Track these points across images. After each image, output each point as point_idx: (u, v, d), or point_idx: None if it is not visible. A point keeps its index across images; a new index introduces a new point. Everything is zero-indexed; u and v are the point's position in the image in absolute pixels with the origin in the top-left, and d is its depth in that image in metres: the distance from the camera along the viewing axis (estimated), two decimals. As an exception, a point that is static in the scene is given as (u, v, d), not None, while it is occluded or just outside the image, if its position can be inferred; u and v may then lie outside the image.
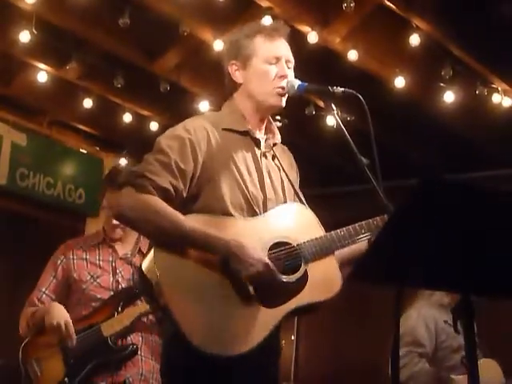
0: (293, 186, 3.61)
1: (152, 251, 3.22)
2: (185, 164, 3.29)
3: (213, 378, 3.17)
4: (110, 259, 4.88)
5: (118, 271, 4.85)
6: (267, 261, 3.19)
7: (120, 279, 4.82)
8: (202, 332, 3.09)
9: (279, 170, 3.60)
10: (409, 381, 5.17)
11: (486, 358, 5.29)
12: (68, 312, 4.73)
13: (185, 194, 3.30)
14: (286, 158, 3.72)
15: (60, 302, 4.80)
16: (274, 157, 3.61)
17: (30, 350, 4.82)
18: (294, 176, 3.70)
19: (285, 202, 3.54)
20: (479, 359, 5.05)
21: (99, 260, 4.91)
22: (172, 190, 3.24)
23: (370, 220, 3.41)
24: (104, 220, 5.02)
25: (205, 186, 3.34)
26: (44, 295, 4.91)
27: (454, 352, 5.17)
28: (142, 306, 4.57)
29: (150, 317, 4.56)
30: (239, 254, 3.17)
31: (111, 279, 4.83)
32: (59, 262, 4.96)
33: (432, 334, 5.21)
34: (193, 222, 3.23)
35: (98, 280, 4.84)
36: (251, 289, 3.20)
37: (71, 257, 4.94)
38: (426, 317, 5.23)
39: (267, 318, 3.23)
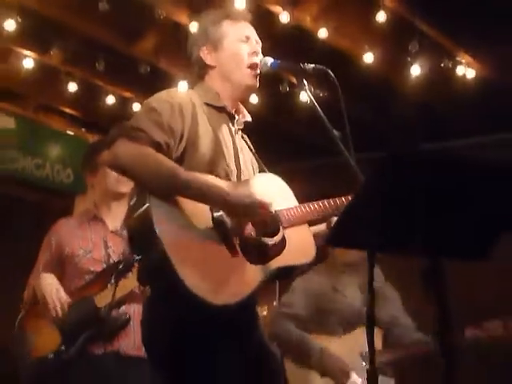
0: (259, 162, 3.66)
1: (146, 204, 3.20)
2: (174, 124, 3.32)
3: (205, 327, 3.18)
4: (101, 234, 4.89)
5: (109, 245, 4.87)
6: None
7: (111, 252, 4.84)
8: (198, 279, 3.08)
9: (249, 147, 3.66)
10: (272, 339, 5.22)
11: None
12: (64, 286, 4.75)
13: (173, 154, 3.31)
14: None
15: (56, 277, 4.82)
16: (243, 136, 3.68)
17: (25, 322, 4.83)
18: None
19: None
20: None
21: (91, 235, 4.92)
22: (164, 145, 3.26)
23: (337, 198, 3.46)
24: (102, 186, 4.98)
25: (189, 149, 3.37)
26: (40, 271, 4.92)
27: (331, 315, 5.25)
28: (133, 278, 4.57)
29: (142, 288, 4.55)
30: (237, 204, 3.23)
31: (103, 252, 4.85)
32: (52, 240, 4.97)
33: (309, 298, 5.28)
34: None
35: (90, 254, 4.84)
36: (238, 244, 3.25)
37: (63, 234, 4.95)
38: (308, 282, 5.31)
39: (253, 274, 3.27)
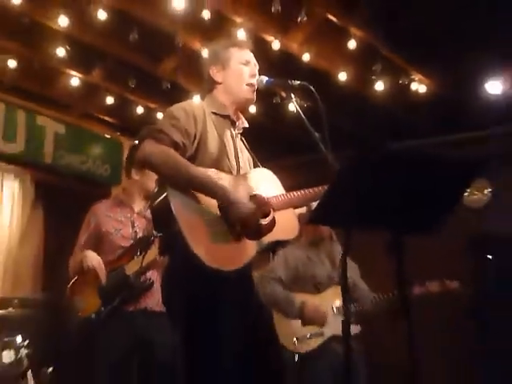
0: (254, 159, 3.68)
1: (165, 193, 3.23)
2: (189, 128, 3.34)
3: (211, 288, 3.19)
4: (129, 215, 4.89)
5: (135, 224, 4.88)
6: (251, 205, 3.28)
7: (137, 230, 4.86)
8: (207, 252, 3.11)
9: (246, 148, 3.67)
10: (260, 297, 5.27)
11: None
12: (100, 257, 4.76)
13: (188, 152, 3.33)
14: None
15: (93, 251, 4.82)
16: (241, 139, 3.68)
17: (75, 287, 4.83)
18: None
19: None
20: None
21: (120, 216, 4.92)
22: (181, 145, 3.29)
23: (316, 187, 3.46)
24: (140, 181, 4.96)
25: (200, 148, 3.39)
26: (82, 246, 4.91)
27: (308, 278, 5.28)
28: (154, 250, 4.57)
29: (161, 258, 4.54)
30: (233, 198, 3.23)
31: (130, 230, 4.86)
32: (91, 219, 4.97)
33: (289, 265, 5.30)
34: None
35: (120, 232, 4.85)
36: (238, 226, 3.25)
37: (99, 215, 4.94)
38: (288, 253, 5.31)
39: (250, 248, 3.29)
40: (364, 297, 5.32)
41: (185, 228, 3.12)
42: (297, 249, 5.35)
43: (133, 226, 4.88)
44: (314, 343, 5.11)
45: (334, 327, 5.10)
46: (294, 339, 5.10)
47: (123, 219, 4.91)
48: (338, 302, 5.23)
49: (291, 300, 5.18)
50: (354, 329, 5.12)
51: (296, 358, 5.09)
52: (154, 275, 4.68)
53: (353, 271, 5.41)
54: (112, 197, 5.26)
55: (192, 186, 3.24)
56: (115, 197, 5.19)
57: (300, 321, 5.16)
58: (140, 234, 4.83)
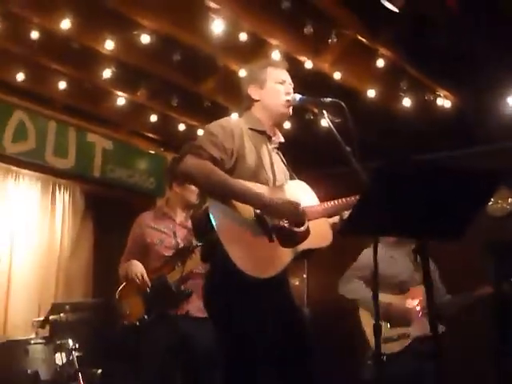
0: (289, 171, 3.66)
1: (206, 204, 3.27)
2: (227, 144, 3.36)
3: (249, 294, 3.20)
4: (171, 226, 4.91)
5: (177, 234, 4.89)
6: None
7: (179, 240, 4.87)
8: (244, 259, 3.13)
9: (282, 161, 3.67)
10: (347, 295, 5.17)
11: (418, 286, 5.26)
12: (145, 265, 4.79)
13: (226, 166, 3.33)
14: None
15: (139, 259, 4.85)
16: (277, 153, 3.68)
17: (122, 293, 4.87)
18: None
19: None
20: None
21: (163, 227, 4.93)
22: (219, 159, 3.30)
23: (348, 197, 3.45)
24: (180, 193, 4.96)
25: (238, 162, 3.40)
26: (128, 255, 4.94)
27: (391, 278, 5.18)
28: (195, 260, 4.58)
29: (200, 267, 4.56)
30: (269, 204, 3.25)
31: (173, 241, 4.87)
32: (136, 230, 5.00)
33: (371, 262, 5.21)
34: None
35: (163, 242, 4.87)
36: (274, 231, 3.26)
37: (143, 226, 4.97)
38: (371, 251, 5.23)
39: (285, 255, 3.28)
40: (439, 297, 5.21)
41: (224, 237, 3.14)
42: (381, 248, 5.31)
43: (175, 237, 4.89)
44: (401, 344, 5.04)
45: (419, 328, 5.02)
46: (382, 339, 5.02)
47: (166, 230, 4.93)
48: (419, 302, 5.16)
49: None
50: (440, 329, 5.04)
51: (384, 359, 4.99)
52: (196, 282, 4.69)
53: (432, 272, 5.34)
54: (155, 208, 5.28)
55: (230, 196, 3.25)
56: (158, 208, 5.22)
57: (386, 322, 5.09)
58: (181, 244, 4.84)
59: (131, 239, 5.05)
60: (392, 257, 5.26)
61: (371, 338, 4.94)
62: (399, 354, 5.00)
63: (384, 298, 5.06)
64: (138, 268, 4.79)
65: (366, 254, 5.29)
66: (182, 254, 4.70)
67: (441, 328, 4.95)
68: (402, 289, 5.20)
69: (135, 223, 5.06)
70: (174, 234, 4.90)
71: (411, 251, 2.85)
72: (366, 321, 5.25)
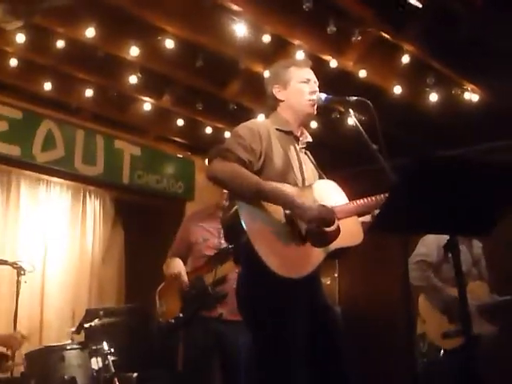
0: (318, 170, 3.65)
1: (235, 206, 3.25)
2: (255, 145, 3.35)
3: (280, 294, 3.18)
4: (218, 226, 4.90)
5: (221, 235, 4.87)
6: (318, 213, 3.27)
7: (222, 241, 4.84)
8: (276, 260, 3.11)
9: (310, 160, 3.66)
10: (413, 281, 5.11)
11: (475, 281, 5.21)
12: (188, 264, 4.81)
13: (254, 167, 3.32)
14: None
15: (184, 257, 4.88)
16: (305, 152, 3.66)
17: (162, 291, 4.91)
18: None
19: None
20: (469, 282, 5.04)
21: (209, 226, 4.95)
22: (247, 161, 3.29)
23: (377, 196, 3.43)
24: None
25: (266, 164, 3.39)
26: (172, 252, 5.00)
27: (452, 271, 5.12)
28: (232, 263, 4.58)
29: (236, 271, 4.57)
30: (298, 205, 3.22)
31: (216, 241, 4.87)
32: (184, 227, 5.05)
33: (440, 250, 5.03)
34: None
35: (207, 242, 4.89)
36: (304, 232, 3.24)
37: (191, 224, 5.00)
38: (440, 236, 5.07)
39: (316, 255, 3.27)
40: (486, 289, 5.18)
41: (254, 238, 3.14)
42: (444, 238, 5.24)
43: (219, 237, 4.89)
44: (459, 341, 4.82)
45: (476, 326, 4.82)
46: (440, 334, 4.94)
47: (211, 229, 4.95)
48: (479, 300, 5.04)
49: (441, 291, 5.04)
50: (491, 328, 4.93)
51: (441, 353, 4.94)
52: (231, 285, 4.68)
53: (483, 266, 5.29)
54: (205, 208, 5.28)
55: (259, 198, 3.24)
56: (208, 208, 5.21)
57: (447, 316, 4.99)
58: (225, 245, 4.85)
59: (178, 235, 5.11)
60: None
61: (429, 329, 4.89)
62: (456, 351, 4.84)
63: (450, 291, 4.97)
64: (177, 268, 4.83)
65: (431, 240, 5.14)
66: (223, 255, 4.71)
67: (491, 328, 4.89)
68: None
69: (185, 219, 5.14)
70: (219, 234, 4.89)
71: (443, 247, 2.82)
72: (425, 312, 5.15)
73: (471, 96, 6.78)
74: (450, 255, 2.77)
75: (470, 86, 6.73)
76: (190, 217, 5.21)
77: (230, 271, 4.63)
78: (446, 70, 6.41)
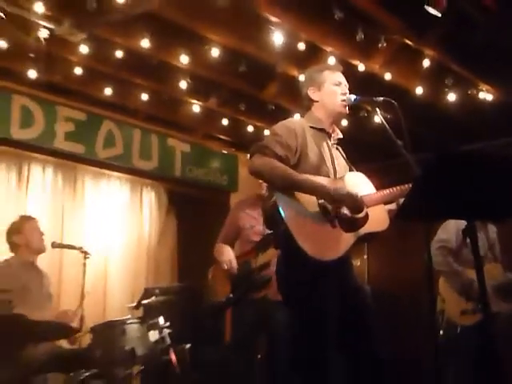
0: (348, 164, 3.64)
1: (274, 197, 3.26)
2: (291, 142, 3.35)
3: (316, 275, 3.18)
4: (260, 213, 4.87)
5: None
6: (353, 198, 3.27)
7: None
8: (310, 244, 3.11)
9: (341, 155, 3.65)
10: (436, 266, 5.03)
11: (490, 263, 5.13)
12: (235, 248, 4.80)
13: (291, 162, 3.33)
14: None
15: (232, 241, 4.87)
16: (337, 148, 3.65)
17: (213, 273, 4.93)
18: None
19: None
20: (485, 264, 4.96)
21: (255, 214, 4.93)
22: (283, 157, 3.30)
23: (402, 186, 3.41)
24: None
25: (301, 159, 3.39)
26: (222, 237, 4.99)
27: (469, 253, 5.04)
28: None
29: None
30: (333, 192, 3.23)
31: (261, 227, 4.84)
32: (233, 213, 5.04)
33: (459, 236, 5.02)
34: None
35: (253, 228, 4.87)
36: (336, 220, 3.25)
37: (239, 211, 4.99)
38: (459, 223, 4.92)
39: (347, 239, 3.27)
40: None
41: (291, 225, 3.14)
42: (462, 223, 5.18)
43: (263, 224, 4.88)
44: (476, 318, 4.81)
45: (493, 305, 4.69)
46: (458, 312, 4.89)
47: (257, 216, 4.92)
48: (494, 279, 4.95)
49: (462, 276, 4.95)
50: (506, 307, 4.83)
51: (458, 330, 4.87)
52: (273, 271, 4.67)
53: (497, 249, 5.21)
54: (248, 197, 5.27)
55: (295, 188, 3.25)
56: (250, 197, 5.21)
57: (465, 296, 4.91)
58: (267, 232, 4.83)
59: (228, 221, 5.10)
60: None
61: (448, 307, 4.82)
62: (473, 327, 4.79)
63: (469, 274, 4.90)
64: (224, 253, 4.83)
65: (452, 226, 5.08)
66: (266, 241, 4.70)
67: (507, 306, 4.79)
68: None
69: (233, 207, 5.13)
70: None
71: (461, 232, 2.79)
72: (445, 291, 5.07)
73: (486, 95, 6.70)
74: (468, 240, 2.73)
75: (484, 87, 6.64)
76: (238, 204, 5.21)
77: (273, 257, 4.62)
78: (463, 71, 6.34)
